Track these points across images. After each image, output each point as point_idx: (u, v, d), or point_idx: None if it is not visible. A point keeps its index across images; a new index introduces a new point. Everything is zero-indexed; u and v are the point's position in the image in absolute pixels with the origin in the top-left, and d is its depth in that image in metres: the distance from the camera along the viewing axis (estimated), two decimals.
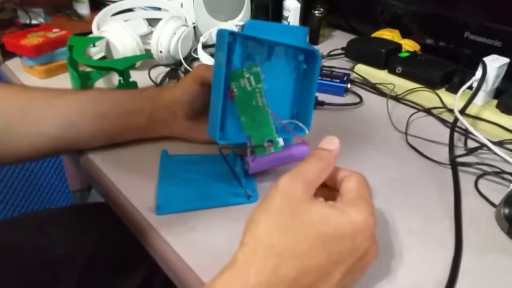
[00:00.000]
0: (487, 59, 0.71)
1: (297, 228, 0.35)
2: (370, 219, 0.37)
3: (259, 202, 0.38)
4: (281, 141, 0.49)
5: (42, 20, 0.97)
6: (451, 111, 0.74)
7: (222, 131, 0.52)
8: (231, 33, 0.47)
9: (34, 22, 0.95)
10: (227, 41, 0.47)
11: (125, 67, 0.74)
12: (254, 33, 0.49)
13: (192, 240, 0.47)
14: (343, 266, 0.36)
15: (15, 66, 0.89)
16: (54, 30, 0.87)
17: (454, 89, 0.75)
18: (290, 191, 0.37)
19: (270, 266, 0.34)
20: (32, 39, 0.82)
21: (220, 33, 0.48)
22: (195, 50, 0.93)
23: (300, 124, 0.54)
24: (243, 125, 0.49)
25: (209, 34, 0.95)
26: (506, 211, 0.50)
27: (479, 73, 0.70)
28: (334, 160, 0.42)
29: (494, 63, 0.69)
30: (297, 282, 0.34)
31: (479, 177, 0.59)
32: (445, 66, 0.80)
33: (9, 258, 0.67)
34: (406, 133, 0.69)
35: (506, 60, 0.71)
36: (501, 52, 0.75)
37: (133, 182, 0.55)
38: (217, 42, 0.49)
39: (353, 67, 0.91)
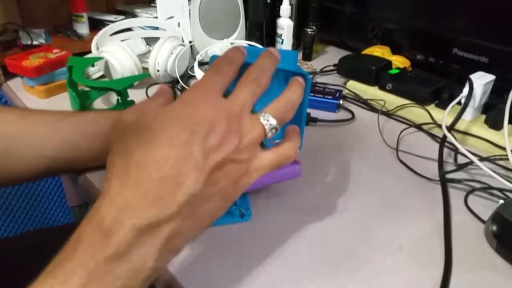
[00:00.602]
0: (474, 76, 0.73)
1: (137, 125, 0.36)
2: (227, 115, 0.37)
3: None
4: None
5: (43, 41, 1.00)
6: (441, 126, 0.75)
7: None
8: None
9: (35, 42, 0.98)
10: None
11: (123, 87, 0.76)
12: (245, 58, 0.51)
13: (185, 260, 0.48)
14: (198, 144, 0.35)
15: (16, 86, 0.91)
16: (54, 51, 0.89)
17: (443, 105, 0.77)
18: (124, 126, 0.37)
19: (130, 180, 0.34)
20: (33, 60, 0.84)
21: (213, 58, 0.50)
22: (192, 68, 0.96)
23: None
24: None
25: (205, 52, 0.97)
26: (494, 228, 0.51)
27: (466, 90, 0.72)
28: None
29: (480, 80, 0.71)
30: (161, 180, 0.34)
31: (469, 193, 0.61)
32: (434, 82, 0.82)
33: (8, 279, 0.68)
34: (397, 149, 0.71)
35: (492, 77, 0.73)
36: (488, 67, 0.77)
37: None
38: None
39: (345, 83, 0.93)
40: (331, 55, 1.15)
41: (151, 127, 0.35)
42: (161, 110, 0.37)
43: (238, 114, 0.38)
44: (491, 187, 0.61)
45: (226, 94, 0.50)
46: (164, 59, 0.89)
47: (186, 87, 0.89)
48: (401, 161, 0.68)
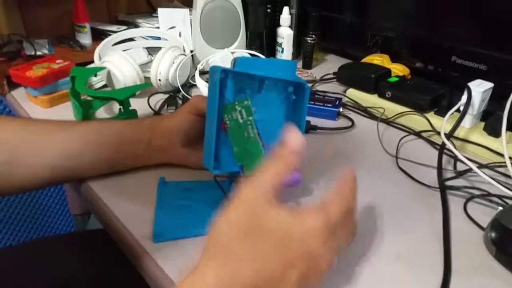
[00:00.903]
0: (472, 84, 0.73)
1: (259, 234, 0.37)
2: (324, 228, 0.38)
3: (221, 211, 0.40)
4: None
5: (46, 51, 1.01)
6: (440, 134, 0.76)
7: (216, 161, 0.54)
8: (223, 70, 0.50)
9: (39, 53, 0.99)
10: (219, 78, 0.49)
11: (125, 97, 0.76)
12: (245, 69, 0.52)
13: (187, 268, 0.48)
14: (296, 271, 0.37)
15: (19, 96, 0.92)
16: (57, 61, 0.90)
17: (442, 113, 0.78)
18: (247, 195, 0.39)
19: (229, 269, 0.36)
20: (37, 71, 0.85)
21: (213, 70, 0.51)
22: (193, 77, 0.97)
23: None
24: (236, 155, 0.52)
25: (206, 61, 0.98)
26: (493, 235, 0.51)
27: (464, 97, 0.72)
28: (295, 158, 0.42)
29: (479, 88, 0.72)
30: (254, 286, 0.36)
31: (468, 200, 0.61)
32: (433, 90, 0.82)
33: (11, 287, 0.69)
34: (396, 157, 0.71)
35: (490, 84, 0.73)
36: (486, 75, 0.78)
37: (131, 209, 0.57)
38: (210, 78, 0.52)
39: (345, 91, 0.93)
40: (331, 64, 1.16)
41: (259, 238, 0.38)
42: (272, 219, 0.38)
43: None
44: (490, 194, 0.61)
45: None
46: (165, 68, 0.90)
47: (187, 96, 0.90)
48: (401, 169, 0.68)
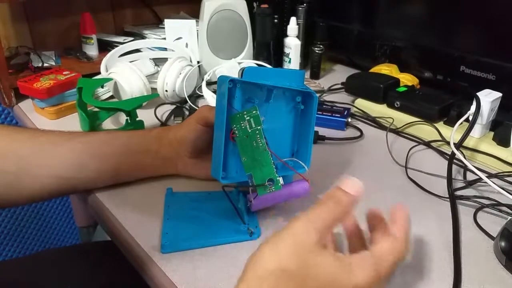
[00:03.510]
0: (481, 94, 0.73)
1: (303, 279, 0.35)
2: (371, 285, 0.37)
3: (267, 238, 0.38)
4: (281, 180, 0.52)
5: (53, 63, 1.01)
6: (449, 144, 0.75)
7: (225, 171, 0.54)
8: (231, 80, 0.50)
9: (46, 65, 0.99)
10: (227, 88, 0.49)
11: (132, 107, 0.76)
12: (253, 79, 0.52)
13: (195, 278, 0.48)
14: None
15: (26, 108, 0.92)
16: (64, 72, 0.90)
17: (452, 122, 0.77)
18: (303, 238, 0.37)
19: None
20: (44, 82, 0.85)
21: (221, 79, 0.51)
22: (200, 88, 0.96)
23: (300, 162, 0.56)
24: (245, 165, 0.51)
25: (213, 72, 0.98)
26: (503, 244, 0.51)
27: (473, 107, 0.72)
28: (353, 205, 0.41)
29: (488, 98, 0.71)
30: None
31: (478, 209, 0.61)
32: (442, 100, 0.82)
33: None
34: (406, 167, 0.71)
35: (498, 94, 0.73)
36: (495, 85, 0.77)
37: (139, 220, 0.57)
38: (218, 88, 0.52)
39: (353, 101, 0.93)
40: (339, 74, 1.16)
41: (304, 284, 0.35)
42: (320, 266, 0.36)
43: None
44: (500, 204, 0.61)
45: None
46: (172, 79, 0.90)
47: (194, 106, 0.90)
48: (410, 178, 0.68)
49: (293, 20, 1.04)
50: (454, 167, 0.68)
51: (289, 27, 1.04)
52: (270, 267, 0.36)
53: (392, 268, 0.39)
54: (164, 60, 0.95)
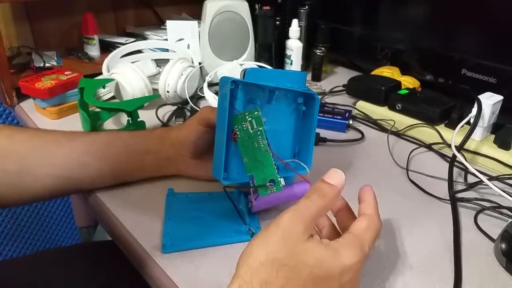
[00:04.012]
0: (482, 97, 0.73)
1: (292, 266, 0.37)
2: (358, 264, 0.39)
3: (257, 234, 0.40)
4: (282, 181, 0.51)
5: (55, 63, 1.01)
6: (451, 146, 0.75)
7: (226, 172, 0.54)
8: (233, 81, 0.50)
9: (47, 65, 0.99)
10: (229, 88, 0.49)
11: (133, 108, 0.76)
12: (255, 80, 0.52)
13: (196, 278, 0.48)
14: None
15: (28, 107, 0.92)
16: (66, 73, 0.90)
17: (453, 125, 0.77)
18: (290, 229, 0.39)
19: None
20: (46, 82, 0.85)
21: (223, 80, 0.51)
22: (201, 89, 0.97)
23: (301, 163, 0.56)
24: (246, 166, 0.51)
25: (215, 73, 0.98)
26: (503, 246, 0.51)
27: (474, 110, 0.72)
28: (337, 196, 0.43)
29: (489, 100, 0.71)
30: None
31: (479, 212, 0.61)
32: (443, 102, 0.82)
33: None
34: (407, 169, 0.71)
35: (500, 97, 0.73)
36: (496, 88, 0.77)
37: (140, 220, 0.57)
38: (220, 89, 0.52)
39: (355, 103, 0.93)
40: (340, 76, 1.16)
41: (295, 271, 0.37)
42: (309, 253, 0.38)
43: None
44: (500, 206, 0.61)
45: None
46: (174, 80, 0.90)
47: (196, 108, 0.90)
48: (411, 181, 0.68)
49: (295, 22, 1.04)
50: (455, 169, 0.68)
51: (291, 29, 1.04)
52: (261, 259, 0.37)
53: (373, 242, 0.42)
54: (166, 61, 0.95)
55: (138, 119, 0.79)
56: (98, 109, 0.84)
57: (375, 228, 0.43)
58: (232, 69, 0.99)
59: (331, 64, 1.19)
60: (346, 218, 0.47)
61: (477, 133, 0.74)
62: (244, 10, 1.03)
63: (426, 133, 0.80)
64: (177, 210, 0.59)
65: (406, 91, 0.88)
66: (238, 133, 0.51)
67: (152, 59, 1.04)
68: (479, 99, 0.72)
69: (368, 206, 0.45)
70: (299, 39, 1.06)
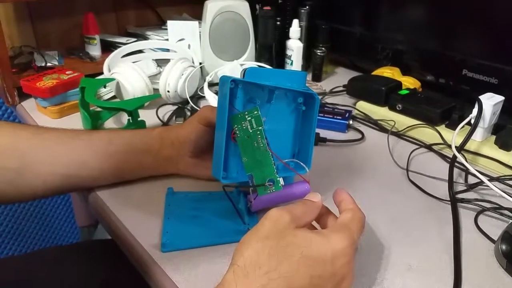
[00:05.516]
0: (483, 97, 0.73)
1: (283, 249, 0.39)
2: (349, 248, 0.41)
3: (250, 229, 0.42)
4: (281, 181, 0.51)
5: (56, 63, 1.01)
6: (451, 147, 0.75)
7: (225, 171, 0.54)
8: (233, 80, 0.50)
9: (49, 64, 1.00)
10: (229, 88, 0.49)
11: (134, 107, 0.77)
12: (255, 79, 0.52)
13: (196, 277, 0.48)
14: None
15: (29, 107, 0.92)
16: (67, 72, 0.91)
17: (453, 126, 0.77)
18: (278, 219, 0.41)
19: (258, 285, 0.36)
20: (47, 82, 0.85)
21: (223, 79, 0.51)
22: (201, 89, 0.97)
23: (301, 163, 0.56)
24: (245, 165, 0.51)
25: (215, 73, 0.98)
26: (504, 247, 0.51)
27: (475, 110, 0.72)
28: (316, 208, 0.46)
29: (490, 101, 0.71)
30: None
31: (479, 213, 0.60)
32: (444, 103, 0.82)
33: None
34: (407, 169, 0.71)
35: (501, 98, 0.73)
36: (497, 89, 0.77)
37: (139, 219, 0.57)
38: (220, 88, 0.52)
39: (355, 103, 0.93)
40: (341, 76, 1.16)
41: (287, 254, 0.39)
42: (300, 237, 0.40)
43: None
44: (501, 207, 0.61)
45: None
46: (174, 80, 0.90)
47: (196, 107, 0.90)
48: (412, 181, 0.68)
49: (295, 22, 1.04)
50: (455, 170, 0.68)
51: (291, 29, 1.04)
52: (253, 244, 0.39)
53: (360, 232, 0.44)
54: (167, 61, 0.95)
55: (139, 119, 0.79)
56: (99, 109, 0.84)
57: (360, 219, 0.45)
58: (233, 69, 0.99)
59: (331, 64, 1.19)
60: (331, 219, 0.48)
61: (478, 134, 0.74)
62: (245, 10, 1.03)
63: (427, 134, 0.80)
64: (177, 209, 0.59)
65: (407, 92, 0.88)
66: (237, 132, 0.51)
67: (153, 59, 1.04)
68: (479, 99, 0.72)
69: (347, 203, 0.47)
70: (300, 39, 1.06)
